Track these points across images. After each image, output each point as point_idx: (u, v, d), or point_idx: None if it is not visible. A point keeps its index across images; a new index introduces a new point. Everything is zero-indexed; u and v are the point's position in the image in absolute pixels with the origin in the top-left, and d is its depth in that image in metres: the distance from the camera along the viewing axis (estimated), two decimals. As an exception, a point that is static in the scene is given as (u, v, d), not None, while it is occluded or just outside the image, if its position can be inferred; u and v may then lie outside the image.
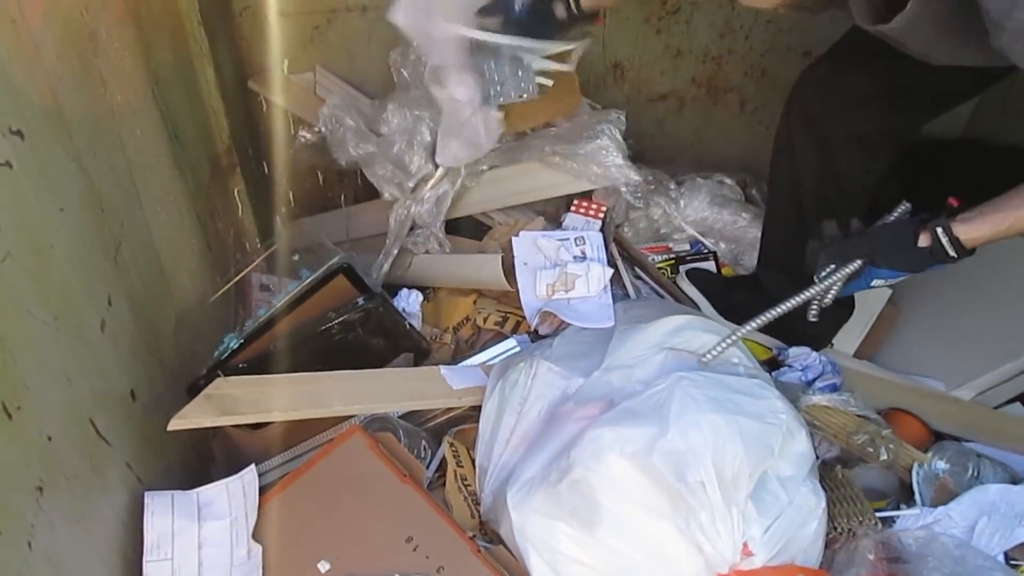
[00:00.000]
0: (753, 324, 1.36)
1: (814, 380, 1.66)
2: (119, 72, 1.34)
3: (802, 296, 1.36)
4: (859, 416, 1.52)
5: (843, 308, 1.82)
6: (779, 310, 1.36)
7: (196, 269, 1.64)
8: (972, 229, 1.26)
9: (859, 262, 1.31)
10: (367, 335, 1.54)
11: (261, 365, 1.47)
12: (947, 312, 1.84)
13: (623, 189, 1.74)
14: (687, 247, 1.92)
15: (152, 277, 1.42)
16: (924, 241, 1.27)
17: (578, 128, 1.73)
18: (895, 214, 1.36)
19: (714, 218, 1.91)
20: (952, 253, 1.26)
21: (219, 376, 1.41)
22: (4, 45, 0.99)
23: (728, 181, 2.00)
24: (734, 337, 1.36)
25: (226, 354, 1.46)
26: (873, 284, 1.37)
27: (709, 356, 1.34)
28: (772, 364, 1.71)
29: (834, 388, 1.65)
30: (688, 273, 1.81)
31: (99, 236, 1.22)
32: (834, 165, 1.58)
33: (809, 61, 1.70)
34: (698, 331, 1.44)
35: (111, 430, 1.19)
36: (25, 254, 1.00)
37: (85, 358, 1.14)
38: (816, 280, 1.35)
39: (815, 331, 1.77)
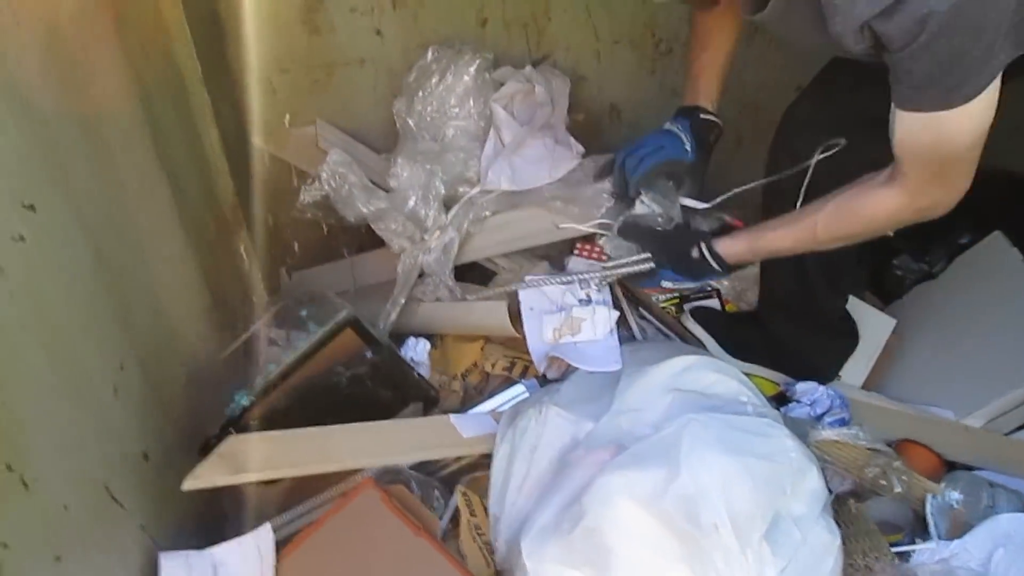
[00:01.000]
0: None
1: (823, 415, 1.66)
2: (126, 138, 1.37)
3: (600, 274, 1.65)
4: (870, 449, 1.52)
5: (848, 339, 1.83)
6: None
7: (204, 326, 1.65)
8: (732, 247, 1.48)
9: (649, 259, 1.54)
10: (376, 386, 1.55)
11: (272, 421, 1.48)
12: (953, 340, 1.85)
13: (625, 232, 1.76)
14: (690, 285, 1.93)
15: (162, 338, 1.43)
16: (695, 253, 1.48)
17: (578, 172, 1.75)
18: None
19: (716, 256, 1.92)
20: (715, 267, 1.48)
21: (231, 433, 1.42)
22: (16, 121, 1.01)
23: (727, 218, 2.01)
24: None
25: (237, 412, 1.47)
26: (662, 283, 1.60)
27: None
28: (780, 399, 1.72)
29: (843, 423, 1.65)
30: (692, 311, 1.82)
31: (109, 302, 1.24)
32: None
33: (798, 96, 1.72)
34: (704, 371, 1.44)
35: (125, 493, 1.19)
36: (39, 325, 1.02)
37: (99, 424, 1.15)
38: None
39: (822, 364, 1.78)
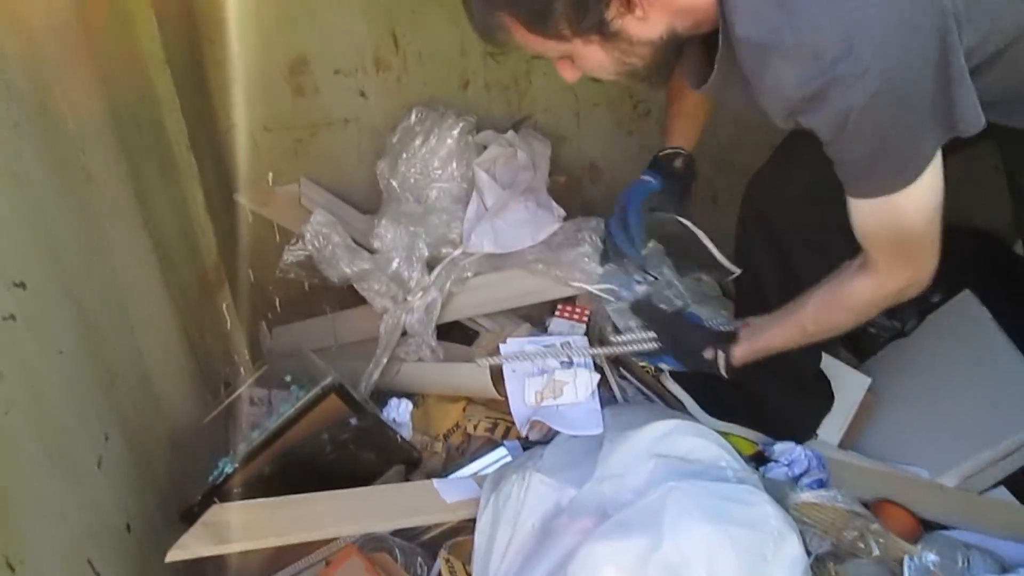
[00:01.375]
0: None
1: (801, 475, 1.68)
2: (112, 206, 1.38)
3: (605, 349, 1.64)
4: (848, 511, 1.54)
5: (824, 399, 1.85)
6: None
7: (187, 388, 1.65)
8: (740, 354, 1.50)
9: (655, 342, 1.54)
10: (358, 450, 1.55)
11: (255, 487, 1.48)
12: (927, 398, 1.88)
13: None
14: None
15: (145, 403, 1.43)
16: (708, 355, 1.50)
17: (559, 236, 1.78)
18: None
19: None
20: (722, 371, 1.51)
21: (215, 502, 1.41)
22: (8, 200, 1.02)
23: (705, 278, 2.04)
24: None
25: (220, 479, 1.46)
26: (660, 365, 1.64)
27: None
28: (758, 459, 1.73)
29: (821, 483, 1.67)
30: (672, 373, 1.84)
31: (94, 372, 1.24)
32: (790, 266, 1.62)
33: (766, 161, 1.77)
34: (685, 435, 1.46)
35: (107, 567, 1.18)
36: (26, 402, 1.02)
37: (83, 498, 1.15)
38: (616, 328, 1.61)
39: (799, 424, 1.80)
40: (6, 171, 1.03)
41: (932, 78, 1.02)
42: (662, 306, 1.62)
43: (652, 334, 1.58)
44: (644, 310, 1.61)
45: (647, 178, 1.64)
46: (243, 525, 1.36)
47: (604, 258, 1.77)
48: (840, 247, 1.62)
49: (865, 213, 1.19)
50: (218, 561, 1.53)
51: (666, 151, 1.65)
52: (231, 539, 1.32)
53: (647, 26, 1.08)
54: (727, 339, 1.50)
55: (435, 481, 1.53)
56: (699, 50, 1.21)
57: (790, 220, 1.58)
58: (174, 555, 1.28)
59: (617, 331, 1.64)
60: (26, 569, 0.96)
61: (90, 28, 1.35)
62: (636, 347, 1.61)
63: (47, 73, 1.19)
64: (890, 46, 0.99)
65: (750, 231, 1.65)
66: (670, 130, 1.67)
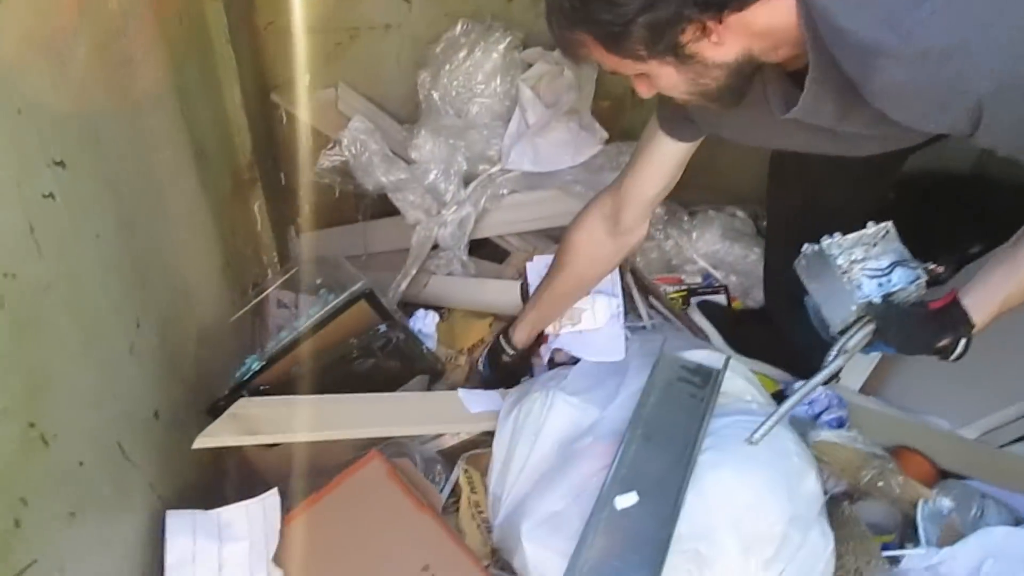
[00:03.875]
0: (793, 399, 1.31)
1: (820, 413, 1.68)
2: (152, 95, 1.36)
3: (830, 368, 1.30)
4: (866, 452, 1.54)
5: (851, 340, 1.83)
6: (813, 383, 1.31)
7: (216, 285, 1.65)
8: (980, 327, 1.26)
9: (872, 328, 1.26)
10: (385, 358, 1.56)
11: (280, 386, 1.49)
12: (953, 350, 1.86)
13: (643, 221, 1.76)
14: (699, 280, 1.94)
15: (176, 296, 1.43)
16: (942, 342, 1.26)
17: (600, 158, 1.75)
18: (871, 230, 1.30)
19: (725, 251, 1.93)
20: (954, 357, 1.28)
21: (241, 396, 1.43)
22: (51, 77, 1.01)
23: (740, 214, 2.02)
24: (778, 415, 1.30)
25: (248, 375, 1.47)
26: (869, 352, 1.35)
27: (757, 435, 1.28)
28: (778, 398, 1.73)
29: (840, 422, 1.68)
30: (699, 305, 1.83)
31: (130, 259, 1.24)
32: (818, 194, 1.59)
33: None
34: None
35: (136, 451, 1.20)
36: (64, 283, 1.02)
37: (115, 382, 1.16)
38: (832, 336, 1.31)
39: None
40: (47, 46, 1.01)
41: None
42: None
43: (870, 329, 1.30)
44: (884, 312, 1.30)
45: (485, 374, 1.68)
46: (270, 419, 1.37)
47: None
48: (870, 181, 1.60)
49: None
50: (240, 459, 1.56)
51: (506, 350, 1.64)
52: (257, 431, 1.34)
53: (722, 50, 1.05)
54: (960, 325, 1.26)
55: (460, 391, 1.54)
56: (782, 77, 1.17)
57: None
58: (201, 442, 1.30)
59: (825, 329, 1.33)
60: (59, 445, 0.97)
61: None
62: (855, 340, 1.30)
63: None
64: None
65: (784, 153, 1.62)
66: (523, 319, 1.62)
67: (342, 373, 1.54)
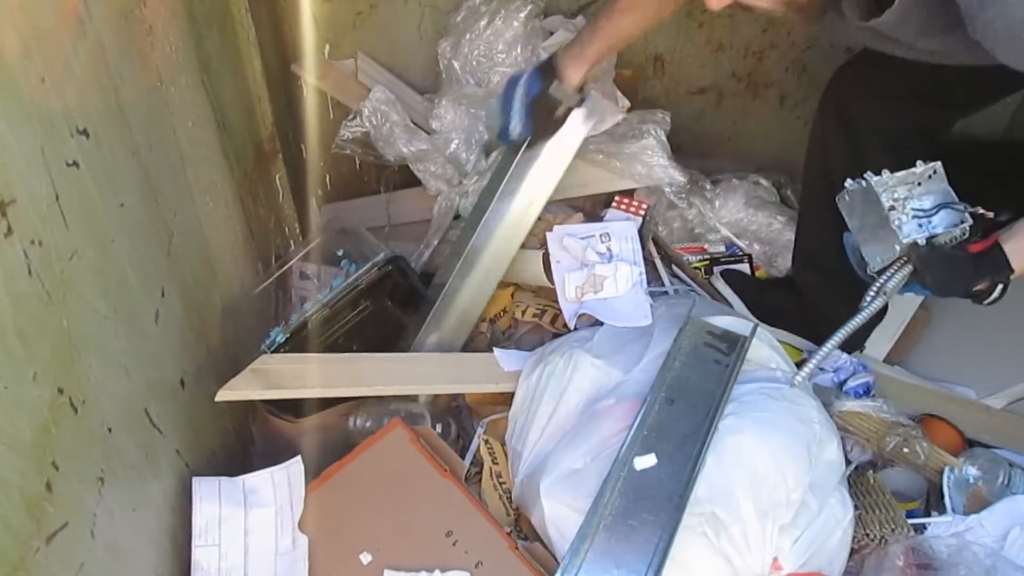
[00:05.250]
0: (835, 339, 1.38)
1: (845, 380, 1.67)
2: (173, 64, 1.36)
3: (869, 308, 1.34)
4: (891, 421, 1.53)
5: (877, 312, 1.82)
6: (854, 324, 1.36)
7: (239, 255, 1.66)
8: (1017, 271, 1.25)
9: (909, 269, 1.28)
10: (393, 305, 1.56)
11: (300, 348, 1.50)
12: (979, 320, 1.83)
13: (667, 189, 1.75)
14: (722, 249, 1.92)
15: (200, 266, 1.45)
16: (981, 286, 1.25)
17: (622, 127, 1.73)
18: (919, 169, 1.29)
19: (749, 220, 1.91)
20: (989, 301, 1.27)
21: (267, 362, 1.44)
22: (73, 45, 1.01)
23: (764, 182, 1.99)
24: (820, 356, 1.38)
25: (272, 348, 1.48)
26: (905, 292, 1.37)
27: (799, 378, 1.36)
28: (803, 366, 1.72)
29: (867, 387, 1.66)
30: (723, 273, 1.82)
31: (154, 228, 1.25)
32: (863, 161, 1.57)
33: (850, 58, 1.70)
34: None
35: (163, 418, 1.22)
36: (90, 250, 1.03)
37: (141, 349, 1.17)
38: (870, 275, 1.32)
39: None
40: (68, 15, 1.02)
41: None
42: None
43: (908, 270, 1.29)
44: (927, 255, 1.27)
45: (515, 129, 1.52)
46: (291, 374, 1.38)
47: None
48: (914, 149, 1.58)
49: None
50: (265, 430, 1.57)
51: (559, 93, 1.51)
52: (279, 385, 1.35)
53: None
54: (1000, 269, 1.24)
55: (496, 350, 1.55)
56: None
57: (870, 118, 1.55)
58: (224, 395, 1.32)
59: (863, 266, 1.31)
60: (88, 410, 0.99)
61: None
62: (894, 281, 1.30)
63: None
64: None
65: (828, 126, 1.60)
66: (580, 54, 1.51)
67: (366, 344, 1.54)
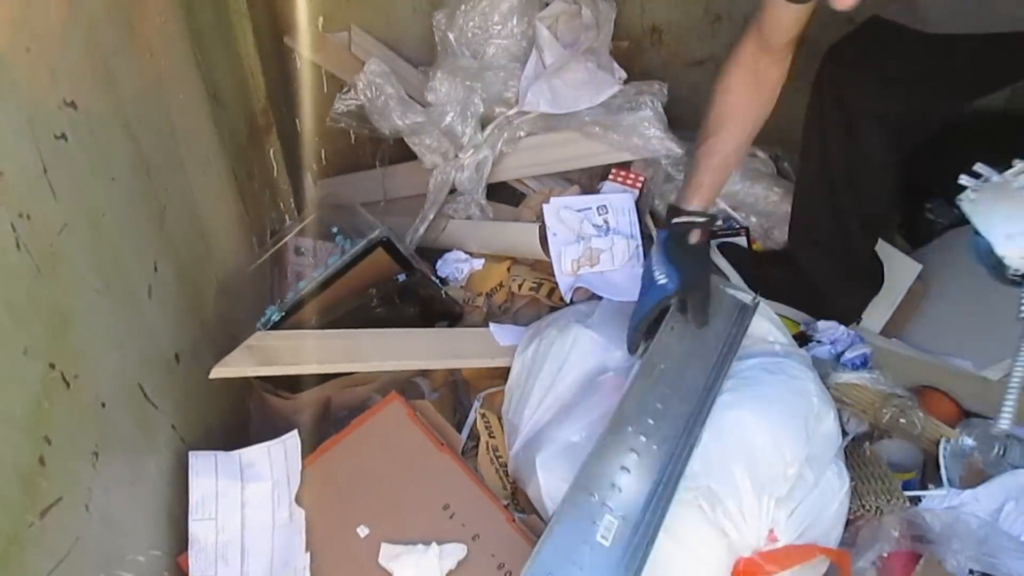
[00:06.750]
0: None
1: (843, 352, 1.67)
2: (164, 37, 1.34)
3: None
4: (888, 393, 1.53)
5: (873, 284, 1.82)
6: None
7: (234, 230, 1.65)
8: None
9: None
10: (403, 305, 1.56)
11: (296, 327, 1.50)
12: (978, 290, 1.82)
13: (663, 161, 1.74)
14: (719, 222, 1.91)
15: (194, 240, 1.44)
16: None
17: (619, 99, 1.72)
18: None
19: (745, 192, 1.89)
20: None
21: (262, 342, 1.43)
22: (60, 15, 1.00)
23: (760, 154, 1.98)
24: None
25: (268, 326, 1.48)
26: None
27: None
28: (800, 339, 1.72)
29: (865, 359, 1.66)
30: (720, 247, 1.81)
31: (146, 203, 1.24)
32: (859, 142, 1.57)
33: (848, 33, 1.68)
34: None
35: (157, 393, 1.22)
36: (80, 224, 1.02)
37: (134, 324, 1.17)
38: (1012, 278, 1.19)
39: (846, 306, 1.78)
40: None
41: None
42: None
43: None
44: None
45: (661, 279, 1.36)
46: (286, 350, 1.38)
47: None
48: (910, 134, 1.58)
49: None
50: (261, 406, 1.57)
51: (682, 218, 1.42)
52: (274, 361, 1.34)
53: None
54: None
55: (492, 325, 1.54)
56: None
57: (867, 101, 1.52)
58: (218, 372, 1.31)
59: None
60: (80, 386, 0.98)
61: None
62: None
63: None
64: None
65: (824, 105, 1.58)
66: (695, 185, 1.44)
67: (362, 322, 1.53)
